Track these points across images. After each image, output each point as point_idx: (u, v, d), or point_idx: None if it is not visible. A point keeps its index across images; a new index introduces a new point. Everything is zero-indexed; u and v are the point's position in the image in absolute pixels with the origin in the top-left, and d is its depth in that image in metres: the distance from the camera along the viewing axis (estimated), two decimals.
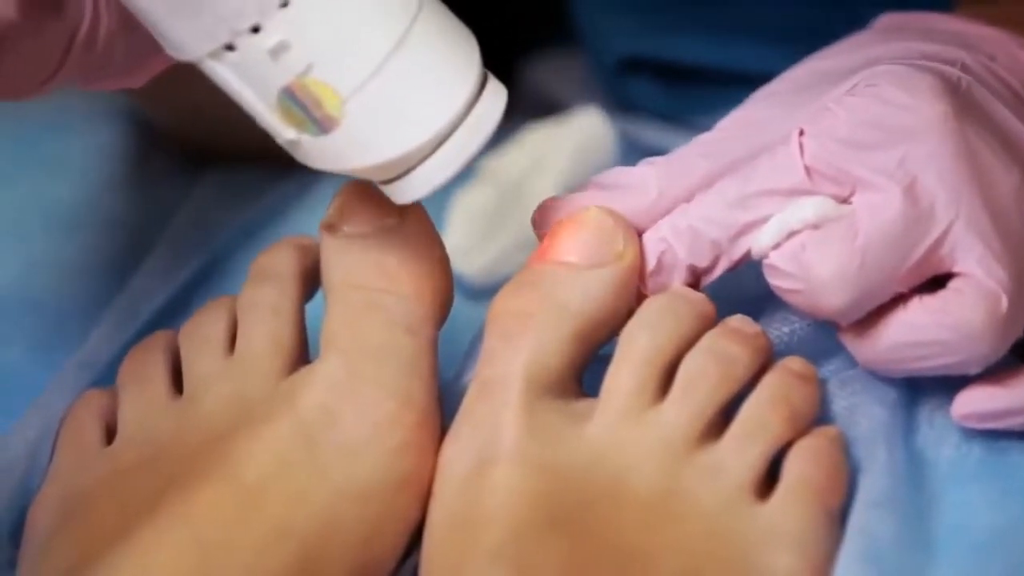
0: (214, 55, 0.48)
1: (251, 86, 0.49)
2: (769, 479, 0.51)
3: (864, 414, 0.54)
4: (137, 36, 0.50)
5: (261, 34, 0.48)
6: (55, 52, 0.51)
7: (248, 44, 0.48)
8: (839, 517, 0.51)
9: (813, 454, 0.51)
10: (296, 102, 0.49)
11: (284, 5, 0.48)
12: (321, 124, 0.49)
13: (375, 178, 0.51)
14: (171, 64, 0.52)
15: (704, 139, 0.56)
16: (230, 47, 0.48)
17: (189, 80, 0.53)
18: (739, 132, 0.56)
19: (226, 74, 0.49)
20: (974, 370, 0.52)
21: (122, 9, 0.49)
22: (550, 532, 0.49)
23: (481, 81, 0.50)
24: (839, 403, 0.55)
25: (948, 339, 0.51)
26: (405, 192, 0.51)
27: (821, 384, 0.54)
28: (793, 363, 0.54)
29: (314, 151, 0.50)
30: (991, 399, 0.53)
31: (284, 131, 0.50)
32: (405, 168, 0.50)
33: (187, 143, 0.76)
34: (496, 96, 0.51)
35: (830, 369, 0.56)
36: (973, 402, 0.53)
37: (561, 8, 0.84)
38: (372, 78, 0.48)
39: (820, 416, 0.54)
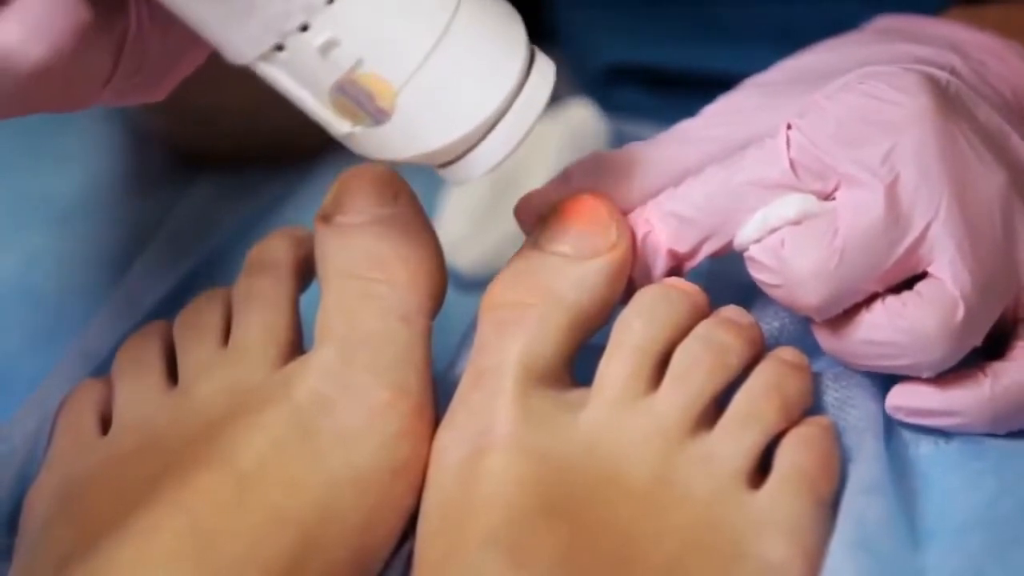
0: (265, 57, 0.49)
1: (304, 84, 0.49)
2: (762, 468, 0.51)
3: (855, 405, 0.54)
4: (170, 36, 0.50)
5: (309, 32, 0.48)
6: (107, 60, 0.50)
7: (297, 43, 0.48)
8: (831, 505, 0.51)
9: (805, 443, 0.52)
10: (349, 96, 0.49)
11: (330, 2, 0.48)
12: (375, 116, 0.49)
13: (432, 163, 0.51)
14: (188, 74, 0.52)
15: (688, 125, 0.56)
16: (280, 47, 0.48)
17: (184, 86, 0.53)
18: (725, 119, 0.56)
19: (278, 74, 0.49)
20: (927, 373, 0.52)
21: (155, 8, 0.49)
22: (544, 519, 0.49)
23: (529, 58, 0.51)
24: (830, 395, 0.55)
25: (902, 342, 0.51)
26: (462, 174, 0.51)
27: (814, 376, 0.54)
28: (786, 353, 0.54)
29: (369, 142, 0.50)
30: (922, 397, 0.53)
31: (339, 125, 0.50)
32: (461, 151, 0.50)
33: (180, 147, 0.77)
34: (545, 72, 0.51)
35: (822, 363, 0.56)
36: (905, 396, 0.54)
37: (542, 14, 0.84)
38: (422, 67, 0.49)
39: (811, 408, 0.54)
